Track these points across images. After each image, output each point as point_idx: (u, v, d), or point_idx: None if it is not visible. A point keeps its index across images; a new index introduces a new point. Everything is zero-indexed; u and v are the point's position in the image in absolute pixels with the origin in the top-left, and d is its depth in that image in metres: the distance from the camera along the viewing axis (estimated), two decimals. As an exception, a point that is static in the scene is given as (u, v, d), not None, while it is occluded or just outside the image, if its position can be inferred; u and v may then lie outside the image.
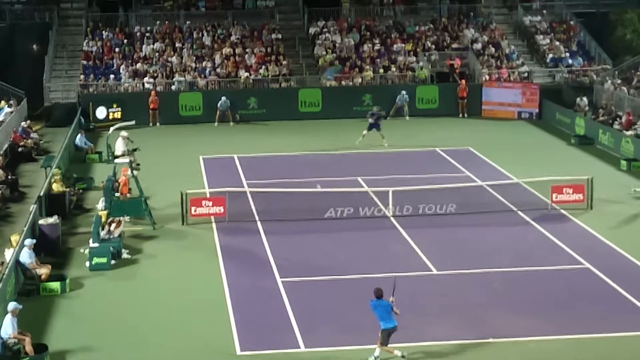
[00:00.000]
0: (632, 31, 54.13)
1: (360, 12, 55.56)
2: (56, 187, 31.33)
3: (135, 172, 31.09)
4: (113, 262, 26.36)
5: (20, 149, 40.29)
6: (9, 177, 34.58)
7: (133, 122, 36.61)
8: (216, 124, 47.25)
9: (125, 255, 27.15)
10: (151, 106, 47.34)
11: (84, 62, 50.29)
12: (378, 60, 51.27)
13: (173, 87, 49.12)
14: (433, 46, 52.62)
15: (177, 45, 51.75)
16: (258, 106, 48.51)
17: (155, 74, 49.49)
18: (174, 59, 50.51)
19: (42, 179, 34.39)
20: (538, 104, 48.29)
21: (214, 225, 30.03)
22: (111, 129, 34.57)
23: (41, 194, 30.20)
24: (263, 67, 50.23)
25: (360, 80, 50.02)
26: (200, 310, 23.15)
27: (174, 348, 21.15)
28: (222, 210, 30.38)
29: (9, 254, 25.18)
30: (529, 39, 54.32)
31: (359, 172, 36.51)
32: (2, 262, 24.64)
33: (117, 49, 51.14)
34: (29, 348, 20.29)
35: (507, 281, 25.02)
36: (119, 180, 31.25)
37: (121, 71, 49.72)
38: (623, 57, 52.36)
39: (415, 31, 53.73)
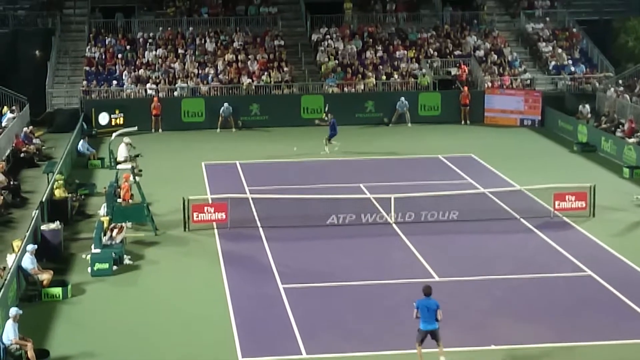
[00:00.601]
0: (634, 38, 54.12)
1: (362, 18, 55.57)
2: (58, 193, 31.34)
3: (137, 178, 31.09)
4: (115, 268, 26.36)
5: (22, 155, 40.30)
6: (11, 182, 34.61)
7: (135, 128, 36.67)
8: (218, 130, 47.27)
9: (127, 261, 27.14)
10: (153, 112, 47.37)
11: (87, 68, 50.32)
12: (380, 67, 51.27)
13: (175, 94, 49.14)
14: (435, 53, 52.63)
15: (180, 51, 51.79)
16: (260, 112, 48.53)
17: (158, 80, 49.52)
18: (177, 65, 50.55)
19: (44, 185, 34.40)
20: (540, 111, 48.28)
21: (215, 231, 30.02)
22: (113, 135, 34.60)
23: (43, 199, 30.20)
24: (265, 73, 50.24)
25: (362, 87, 50.03)
26: (202, 317, 23.13)
27: (176, 354, 21.14)
28: (224, 216, 30.38)
29: (10, 259, 25.18)
30: (531, 46, 54.32)
31: (361, 178, 36.50)
32: (4, 268, 24.65)
33: (119, 55, 51.18)
34: (30, 354, 20.29)
35: (509, 288, 24.99)
36: (121, 186, 31.24)
37: (124, 77, 49.75)
38: (625, 65, 52.35)
39: (418, 38, 53.74)
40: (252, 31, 53.89)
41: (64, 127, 45.82)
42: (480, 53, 52.49)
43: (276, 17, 55.03)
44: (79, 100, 48.40)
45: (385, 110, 48.51)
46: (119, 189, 31.36)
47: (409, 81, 50.37)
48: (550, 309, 23.39)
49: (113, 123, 46.82)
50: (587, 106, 46.92)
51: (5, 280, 22.96)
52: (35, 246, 25.59)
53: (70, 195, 32.13)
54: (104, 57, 51.33)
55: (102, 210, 30.87)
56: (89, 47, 51.85)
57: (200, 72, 50.33)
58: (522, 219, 31.01)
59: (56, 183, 31.81)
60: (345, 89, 50.02)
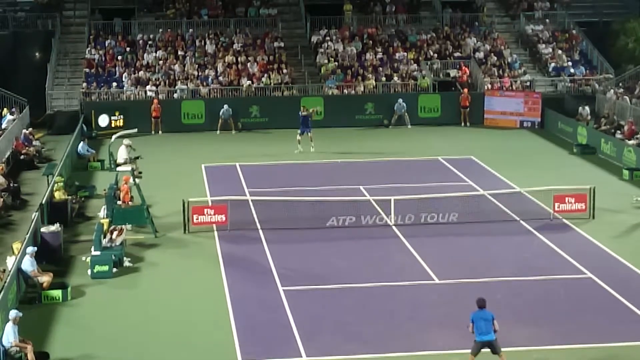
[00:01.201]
0: (634, 40, 54.08)
1: (362, 20, 55.59)
2: (58, 195, 31.34)
3: (137, 180, 31.11)
4: (115, 270, 26.35)
5: (22, 157, 40.30)
6: (11, 184, 34.60)
7: (135, 130, 36.66)
8: (218, 132, 47.29)
9: (126, 263, 27.14)
10: (153, 114, 47.38)
11: (87, 70, 50.34)
12: (380, 68, 51.29)
13: (175, 95, 49.15)
14: (435, 55, 52.65)
15: (180, 53, 51.80)
16: (260, 114, 48.55)
17: (158, 82, 49.53)
18: (177, 67, 50.56)
19: (44, 187, 34.40)
20: (540, 113, 48.30)
21: (215, 233, 30.02)
22: (113, 136, 34.62)
23: (43, 201, 30.20)
24: (265, 75, 50.26)
25: (362, 88, 50.05)
26: (202, 319, 23.13)
27: (176, 356, 21.15)
28: (224, 218, 30.37)
29: (10, 261, 25.19)
30: (531, 47, 54.34)
31: (361, 180, 36.50)
32: (4, 270, 24.66)
33: (119, 57, 51.19)
34: (30, 356, 20.28)
35: (509, 291, 24.98)
36: (121, 188, 31.24)
37: (123, 79, 49.77)
38: (625, 67, 52.34)
39: (418, 40, 53.76)
40: (252, 33, 53.90)
41: (64, 129, 45.81)
42: (480, 55, 52.51)
43: (276, 18, 55.05)
44: (78, 102, 48.41)
45: (385, 112, 48.52)
46: (118, 191, 31.36)
47: (409, 83, 50.38)
48: (550, 311, 23.39)
49: (113, 125, 46.83)
50: (587, 108, 46.92)
51: (5, 282, 22.96)
52: (35, 248, 25.58)
53: (70, 197, 32.13)
54: (103, 59, 51.35)
55: (102, 213, 30.88)
56: (88, 49, 51.87)
57: (200, 74, 50.34)
58: (521, 221, 31.01)
59: (56, 185, 31.81)
60: (345, 91, 50.03)
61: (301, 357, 20.83)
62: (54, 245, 27.80)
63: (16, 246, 26.50)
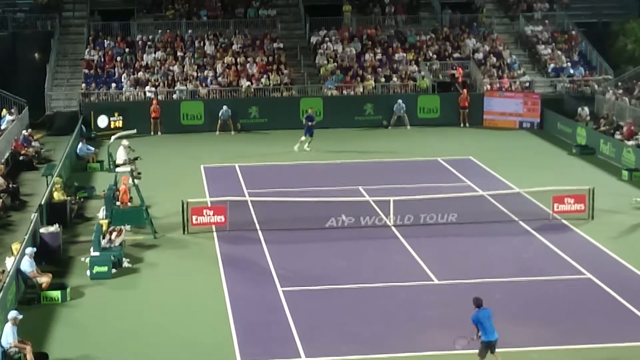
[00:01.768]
0: (633, 41, 54.11)
1: (361, 21, 55.59)
2: (57, 196, 31.34)
3: (136, 181, 31.09)
4: (114, 271, 26.36)
5: (21, 158, 40.30)
6: (10, 185, 34.59)
7: (134, 131, 36.72)
8: (217, 133, 47.29)
9: (126, 264, 27.13)
10: (152, 115, 47.38)
11: (86, 70, 50.34)
12: (379, 69, 51.30)
13: (174, 96, 49.15)
14: (434, 56, 52.65)
15: (179, 54, 51.81)
16: (259, 115, 48.55)
17: (157, 83, 49.54)
18: (176, 68, 50.56)
19: (43, 188, 34.39)
20: (539, 114, 48.31)
21: (215, 234, 30.02)
22: (112, 137, 34.69)
23: (42, 202, 30.21)
24: (265, 76, 50.26)
25: (361, 89, 50.06)
26: (201, 320, 23.13)
27: (175, 357, 21.15)
28: (223, 219, 30.38)
29: (9, 262, 25.18)
30: (530, 48, 54.36)
31: (360, 181, 36.50)
32: (3, 271, 24.64)
33: (118, 58, 51.19)
34: (29, 357, 20.28)
35: (508, 291, 24.99)
36: (120, 189, 31.24)
37: (123, 80, 49.77)
38: (624, 67, 52.36)
39: (417, 41, 53.76)
40: (251, 34, 53.90)
41: (63, 130, 45.82)
42: (479, 56, 52.52)
43: (275, 19, 55.06)
44: (78, 102, 48.40)
45: (384, 113, 48.52)
46: (118, 192, 31.36)
47: (408, 84, 50.38)
48: (549, 312, 23.39)
49: (112, 126, 46.84)
50: (586, 109, 46.93)
51: (4, 283, 22.94)
52: (34, 249, 25.57)
53: (69, 198, 32.12)
54: (103, 59, 51.35)
55: (101, 213, 30.89)
56: (88, 49, 51.86)
57: (199, 74, 50.34)
58: (521, 222, 31.02)
59: (55, 186, 31.81)
60: (345, 92, 50.03)
61: (300, 357, 20.84)
62: (53, 246, 27.80)
63: (15, 247, 26.50)
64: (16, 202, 33.92)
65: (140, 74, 50.08)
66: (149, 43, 52.47)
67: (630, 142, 40.44)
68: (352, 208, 31.54)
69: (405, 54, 52.43)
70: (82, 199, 33.93)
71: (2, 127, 42.86)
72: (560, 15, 56.58)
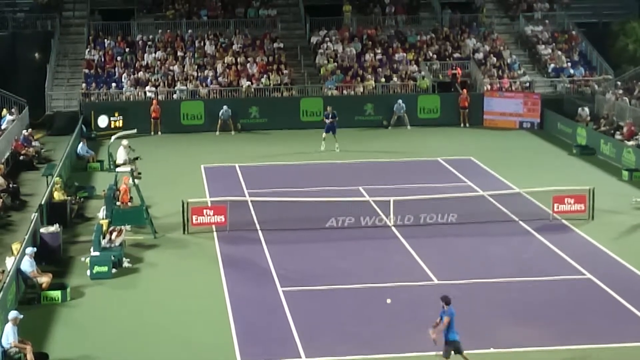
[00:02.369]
0: (634, 41, 54.11)
1: (362, 21, 55.60)
2: (57, 196, 31.34)
3: (136, 181, 31.09)
4: (114, 270, 26.36)
5: (21, 158, 40.30)
6: (10, 185, 34.59)
7: (134, 131, 36.67)
8: (218, 133, 47.29)
9: (126, 264, 27.14)
10: (153, 115, 47.38)
11: (86, 70, 50.34)
12: (380, 69, 51.30)
13: (175, 96, 49.15)
14: (435, 56, 52.66)
15: (179, 54, 51.81)
16: (260, 115, 48.55)
17: (157, 83, 49.54)
18: (176, 68, 50.56)
19: (44, 188, 34.40)
20: (539, 114, 48.32)
21: (215, 234, 30.03)
22: (113, 137, 34.64)
23: (42, 202, 30.21)
24: (265, 76, 50.26)
25: (362, 89, 50.06)
26: (201, 320, 23.13)
27: (175, 357, 21.15)
28: (223, 219, 30.38)
29: (10, 262, 25.19)
30: (530, 48, 54.36)
31: (360, 181, 36.50)
32: (3, 271, 24.64)
33: (119, 58, 51.19)
34: (30, 357, 20.29)
35: (508, 291, 25.00)
36: (120, 189, 31.24)
37: (123, 80, 49.77)
38: (625, 68, 52.36)
39: (417, 41, 53.77)
40: (251, 34, 53.90)
41: (63, 130, 45.82)
42: (480, 56, 52.52)
43: (275, 19, 55.06)
44: (78, 102, 48.40)
45: (384, 113, 48.53)
46: (118, 192, 31.36)
47: (408, 84, 50.39)
48: (549, 312, 23.39)
49: (112, 126, 46.84)
50: (586, 109, 46.92)
51: (4, 283, 22.95)
52: (35, 249, 25.57)
53: (69, 198, 32.13)
54: (103, 59, 51.36)
55: (102, 213, 30.88)
56: (88, 49, 51.86)
57: (199, 74, 50.34)
58: (521, 222, 31.03)
59: (55, 186, 31.81)
60: (345, 92, 50.04)
61: (300, 357, 20.84)
62: (53, 246, 27.80)
63: (15, 247, 26.50)
64: (16, 202, 33.93)
65: (141, 73, 50.09)
66: (149, 43, 52.48)
67: (631, 143, 40.44)
68: (352, 208, 31.54)
69: (405, 54, 52.44)
70: (82, 199, 33.93)
71: (3, 127, 42.85)
72: (561, 15, 56.58)
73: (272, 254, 28.06)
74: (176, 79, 49.93)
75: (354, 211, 31.24)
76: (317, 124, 47.99)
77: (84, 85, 49.10)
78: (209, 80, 49.95)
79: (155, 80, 49.71)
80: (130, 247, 28.71)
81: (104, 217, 30.22)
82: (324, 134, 42.64)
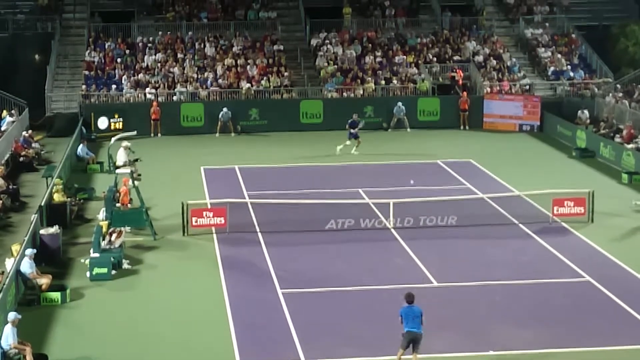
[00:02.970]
0: (633, 44, 54.14)
1: (362, 24, 55.62)
2: (57, 197, 31.34)
3: (136, 183, 31.10)
4: (114, 272, 26.35)
5: (21, 159, 40.30)
6: (10, 186, 34.60)
7: (134, 133, 36.66)
8: (217, 134, 47.31)
9: (125, 265, 27.13)
10: (153, 117, 47.40)
11: (86, 72, 50.36)
12: (380, 72, 51.33)
13: (175, 98, 49.17)
14: (435, 58, 52.67)
15: (179, 56, 51.83)
16: (259, 117, 48.56)
17: (157, 85, 49.54)
18: (176, 70, 50.58)
19: (43, 189, 34.39)
20: (539, 117, 48.34)
21: (214, 236, 30.03)
22: (113, 139, 34.65)
23: (42, 203, 30.21)
24: (265, 78, 50.28)
25: (361, 91, 50.07)
26: (201, 321, 23.13)
27: (174, 358, 21.15)
28: (223, 221, 30.38)
29: (9, 263, 25.17)
30: (530, 51, 54.38)
31: (360, 183, 36.50)
32: (3, 272, 24.63)
33: (119, 60, 51.21)
34: (29, 358, 20.29)
35: (508, 294, 25.01)
36: (120, 191, 31.25)
37: (123, 81, 49.78)
38: (625, 71, 52.38)
39: (417, 43, 53.79)
40: (251, 36, 53.91)
41: (63, 131, 45.82)
42: (480, 58, 52.54)
43: (275, 21, 55.08)
44: (78, 104, 48.40)
45: (384, 116, 48.54)
46: (118, 194, 31.37)
47: (408, 86, 50.40)
48: (549, 315, 23.39)
49: (112, 127, 46.82)
50: (586, 112, 46.96)
51: (4, 284, 22.94)
52: (34, 250, 25.56)
53: (69, 199, 32.12)
54: (103, 61, 51.37)
55: (101, 215, 30.89)
56: (88, 51, 51.87)
57: (199, 76, 50.35)
58: (520, 225, 31.03)
59: (55, 187, 31.80)
60: (345, 94, 50.05)
61: (299, 359, 20.83)
62: (53, 248, 27.79)
63: (15, 248, 26.49)
64: (16, 203, 33.93)
65: (141, 75, 50.10)
66: (149, 45, 52.49)
67: (630, 145, 40.45)
68: (352, 210, 31.56)
69: (405, 57, 52.46)
70: (82, 201, 33.93)
71: (3, 129, 42.86)
72: (561, 18, 56.60)
73: (272, 255, 28.06)
74: (176, 80, 49.94)
75: (354, 213, 31.25)
76: (316, 126, 48.12)
77: (84, 86, 49.10)
78: (209, 82, 49.95)
79: (155, 82, 49.72)
80: (130, 248, 28.71)
81: (104, 218, 30.22)
82: (348, 141, 42.41)
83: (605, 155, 41.15)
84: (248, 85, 49.66)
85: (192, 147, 44.66)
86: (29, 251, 25.18)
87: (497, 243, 29.45)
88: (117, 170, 33.09)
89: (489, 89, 50.22)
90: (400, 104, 48.29)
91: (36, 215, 28.58)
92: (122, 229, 28.78)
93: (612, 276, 26.11)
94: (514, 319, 23.08)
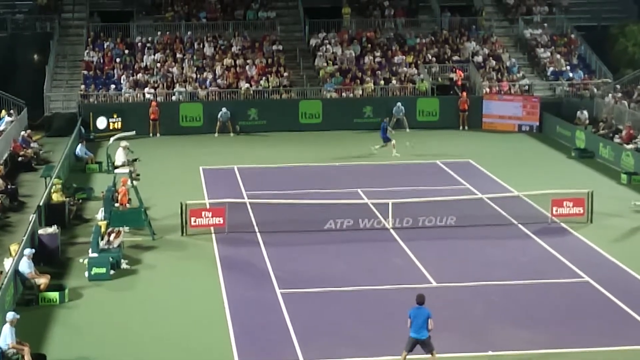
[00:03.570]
0: (633, 44, 54.14)
1: (361, 24, 55.61)
2: (56, 197, 31.31)
3: (135, 183, 31.09)
4: (112, 272, 26.34)
5: (20, 159, 40.28)
6: (9, 186, 34.58)
7: (133, 133, 36.63)
8: (216, 134, 47.29)
9: (124, 265, 27.12)
10: (151, 117, 47.39)
11: (85, 72, 50.34)
12: (379, 72, 51.32)
13: (173, 98, 49.15)
14: (434, 58, 52.67)
15: (178, 55, 51.81)
16: (258, 117, 48.54)
17: (156, 85, 49.52)
18: (175, 70, 50.56)
19: (42, 189, 34.38)
20: (538, 117, 48.34)
21: (213, 236, 30.01)
22: (111, 139, 34.61)
23: (41, 203, 30.18)
24: (264, 78, 50.26)
25: (360, 92, 50.05)
26: (199, 322, 23.11)
27: (173, 359, 21.12)
28: (222, 221, 30.36)
29: (8, 263, 25.14)
30: (529, 52, 54.38)
31: (359, 184, 36.50)
32: (1, 272, 24.59)
33: (117, 59, 51.19)
34: (27, 358, 20.26)
35: (507, 294, 24.99)
36: (119, 191, 31.23)
37: (122, 81, 49.76)
38: (624, 71, 52.37)
39: (416, 43, 53.78)
40: (250, 36, 53.90)
41: (62, 131, 45.81)
42: (479, 59, 52.53)
43: (274, 21, 55.06)
44: (77, 104, 48.39)
45: (383, 116, 48.33)
46: (116, 193, 31.35)
47: (407, 86, 50.39)
48: (548, 315, 23.38)
49: (111, 127, 46.82)
50: (585, 112, 46.95)
51: (2, 284, 22.91)
52: (33, 250, 25.55)
53: (67, 199, 32.09)
54: (102, 61, 51.35)
55: (100, 215, 30.87)
56: (87, 51, 51.86)
57: (198, 76, 50.34)
58: (519, 225, 31.02)
59: (54, 187, 31.78)
60: (344, 94, 50.03)
61: (298, 359, 20.82)
62: (52, 247, 27.77)
63: (14, 248, 26.43)
64: (15, 203, 33.90)
65: (140, 75, 50.09)
66: (148, 45, 52.48)
67: (629, 146, 40.44)
68: (351, 210, 31.54)
69: (404, 57, 52.46)
70: (80, 200, 33.90)
71: (1, 128, 42.83)
72: (560, 18, 56.59)
73: (271, 256, 28.04)
74: (175, 80, 49.92)
75: (353, 213, 31.24)
76: (315, 126, 48.10)
77: (82, 86, 49.09)
78: (208, 82, 49.93)
79: (154, 82, 49.70)
80: (129, 248, 28.69)
81: (103, 218, 30.20)
82: (383, 144, 42.41)
83: (604, 156, 41.14)
84: (247, 85, 49.65)
85: (191, 147, 44.64)
86: (28, 251, 25.16)
87: (496, 243, 29.44)
88: (116, 170, 33.07)
89: (488, 89, 50.22)
90: (399, 104, 48.28)
91: (35, 215, 28.56)
92: (121, 229, 28.78)
93: (611, 276, 26.10)
94: (513, 320, 23.06)
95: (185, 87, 49.45)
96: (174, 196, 32.98)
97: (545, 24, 55.82)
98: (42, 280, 24.77)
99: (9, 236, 30.10)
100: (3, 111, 45.59)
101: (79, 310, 24.06)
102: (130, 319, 23.52)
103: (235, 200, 32.51)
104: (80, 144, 41.59)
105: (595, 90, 50.19)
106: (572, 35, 55.24)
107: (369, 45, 53.39)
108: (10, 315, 20.79)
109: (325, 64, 51.75)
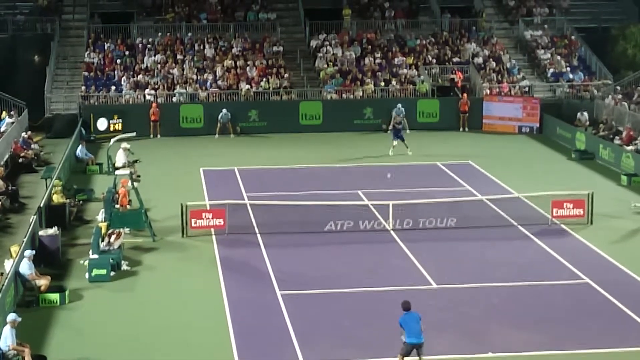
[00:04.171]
0: (633, 46, 54.16)
1: (361, 25, 55.63)
2: (56, 198, 31.32)
3: (135, 184, 31.10)
4: (112, 273, 26.36)
5: (20, 160, 40.30)
6: (10, 187, 34.59)
7: (134, 134, 36.67)
8: (217, 136, 47.30)
9: (124, 267, 27.14)
10: (152, 118, 47.41)
11: (85, 73, 50.35)
12: (379, 73, 51.33)
13: (174, 99, 49.16)
14: (434, 60, 52.68)
15: (179, 57, 51.83)
16: (259, 119, 48.55)
17: (157, 86, 49.54)
18: (175, 71, 50.59)
19: (43, 190, 34.39)
20: (539, 119, 48.35)
21: (213, 237, 30.02)
22: (112, 140, 34.65)
23: (41, 205, 30.19)
24: (264, 79, 50.28)
25: (361, 93, 50.08)
26: (200, 323, 23.12)
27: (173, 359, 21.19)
28: (222, 222, 30.38)
29: (8, 265, 25.15)
30: (530, 53, 54.40)
31: (359, 185, 36.51)
32: (2, 273, 24.61)
33: (118, 61, 51.21)
34: (28, 359, 20.26)
35: (507, 296, 25.01)
36: (119, 192, 31.24)
37: (122, 83, 49.79)
38: (624, 73, 52.39)
39: (417, 45, 53.79)
40: (251, 37, 53.92)
41: (63, 133, 45.83)
42: (479, 60, 52.55)
43: (275, 23, 55.08)
44: (77, 105, 48.41)
45: (383, 117, 48.50)
46: (117, 195, 31.36)
47: (408, 88, 50.41)
48: (548, 317, 23.39)
49: (111, 128, 46.84)
50: (585, 114, 46.96)
51: (2, 285, 22.94)
52: (33, 252, 25.56)
53: (68, 200, 32.10)
54: (102, 62, 51.37)
55: (100, 216, 30.88)
56: (87, 52, 51.88)
57: (199, 77, 50.35)
58: (519, 226, 31.03)
59: (54, 188, 31.79)
60: (344, 96, 50.05)
61: (298, 361, 20.88)
62: (52, 249, 27.77)
63: (14, 249, 26.45)
64: (15, 204, 33.92)
65: (140, 76, 50.11)
66: (148, 46, 52.50)
67: (630, 147, 40.47)
68: (351, 212, 31.55)
69: (404, 58, 52.47)
70: (81, 202, 33.92)
71: (2, 130, 42.84)
72: (560, 20, 56.62)
73: (271, 257, 28.06)
74: (176, 82, 49.95)
75: (353, 215, 31.26)
76: (316, 127, 48.12)
77: (83, 88, 49.11)
78: (208, 83, 49.96)
79: (154, 83, 49.72)
80: (129, 250, 28.70)
81: (103, 219, 30.20)
82: (395, 142, 42.44)
83: (604, 157, 41.15)
84: (247, 86, 49.66)
85: (191, 149, 44.65)
86: (28, 252, 25.17)
87: (496, 245, 29.45)
88: (117, 172, 33.05)
89: (488, 91, 50.23)
90: (400, 105, 48.27)
91: (35, 216, 28.56)
92: (121, 230, 28.79)
93: (611, 278, 26.12)
94: (513, 321, 23.08)
95: (186, 88, 49.46)
96: (174, 197, 33.00)
97: (546, 26, 55.84)
98: (43, 282, 24.79)
99: (10, 237, 30.11)
100: (4, 112, 45.60)
101: (79, 312, 24.07)
102: (131, 320, 23.53)
103: (236, 202, 32.53)
104: (80, 145, 41.58)
105: (595, 91, 50.21)
106: (573, 37, 55.25)
107: (369, 47, 53.41)
108: (10, 316, 20.81)
109: (325, 65, 51.77)
